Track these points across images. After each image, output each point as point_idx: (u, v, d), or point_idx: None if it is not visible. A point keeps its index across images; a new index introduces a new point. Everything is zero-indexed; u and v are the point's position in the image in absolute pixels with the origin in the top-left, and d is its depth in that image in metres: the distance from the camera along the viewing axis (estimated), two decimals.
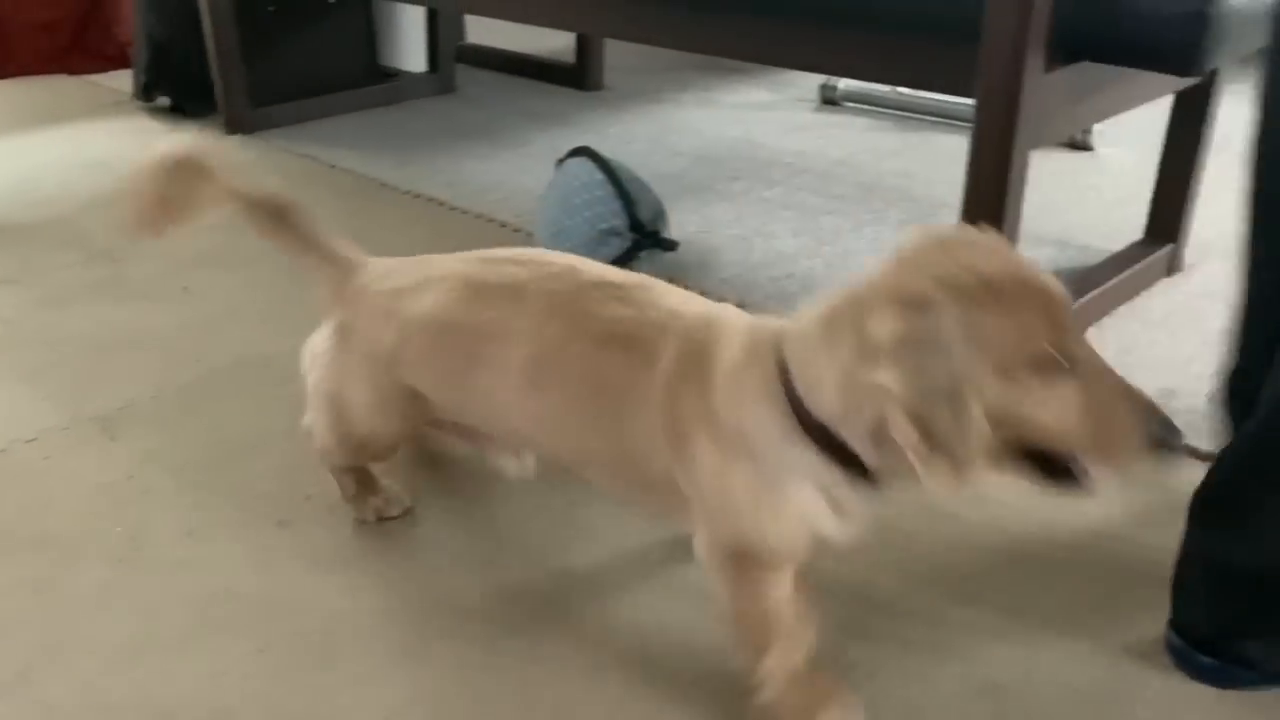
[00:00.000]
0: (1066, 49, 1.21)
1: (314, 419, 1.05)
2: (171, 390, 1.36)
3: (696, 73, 2.92)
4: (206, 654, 0.95)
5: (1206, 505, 0.89)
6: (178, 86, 2.43)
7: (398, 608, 1.00)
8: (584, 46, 2.74)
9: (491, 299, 0.92)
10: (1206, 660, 0.89)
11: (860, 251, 1.75)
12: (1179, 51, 1.16)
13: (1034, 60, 1.13)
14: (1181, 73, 1.17)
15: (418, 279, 0.96)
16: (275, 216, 1.02)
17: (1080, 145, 2.25)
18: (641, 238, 1.55)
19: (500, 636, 0.97)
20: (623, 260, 1.54)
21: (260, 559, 1.07)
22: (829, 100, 2.62)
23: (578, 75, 2.75)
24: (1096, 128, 2.24)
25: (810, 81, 2.69)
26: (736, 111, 2.58)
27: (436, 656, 0.95)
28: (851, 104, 2.60)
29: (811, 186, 2.06)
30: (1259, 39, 1.25)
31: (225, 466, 1.21)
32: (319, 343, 1.03)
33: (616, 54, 2.82)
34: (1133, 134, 2.16)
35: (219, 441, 1.25)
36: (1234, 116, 1.55)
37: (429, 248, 1.05)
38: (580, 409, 0.88)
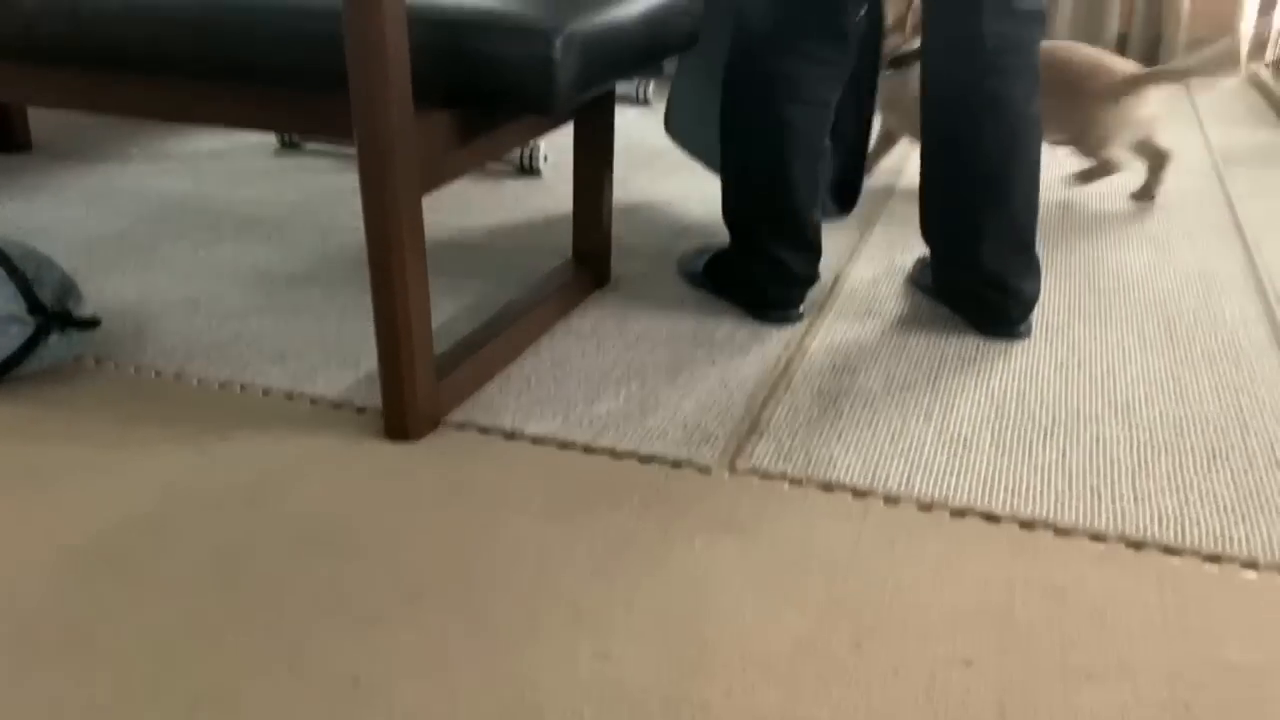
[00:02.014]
0: (435, 95, 1.27)
1: None
2: None
3: (144, 125, 2.73)
4: None
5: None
6: None
7: None
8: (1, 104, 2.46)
9: None
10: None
11: (312, 299, 1.72)
12: (535, 95, 1.25)
13: (400, 108, 1.16)
14: (542, 113, 1.26)
15: None
16: None
17: (530, 169, 2.38)
18: (48, 320, 1.41)
19: None
20: (27, 349, 1.40)
21: None
22: (288, 144, 2.56)
23: None
24: (543, 151, 2.38)
25: None
26: (187, 163, 2.44)
27: None
28: (313, 146, 2.57)
29: (266, 236, 2.00)
30: (614, 71, 1.39)
31: None
32: None
33: (50, 110, 2.57)
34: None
35: None
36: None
37: None
38: None
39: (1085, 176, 2.22)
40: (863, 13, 1.57)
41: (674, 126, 2.12)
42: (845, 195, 2.02)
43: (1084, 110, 2.09)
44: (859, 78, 1.87)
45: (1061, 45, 2.13)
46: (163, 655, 0.97)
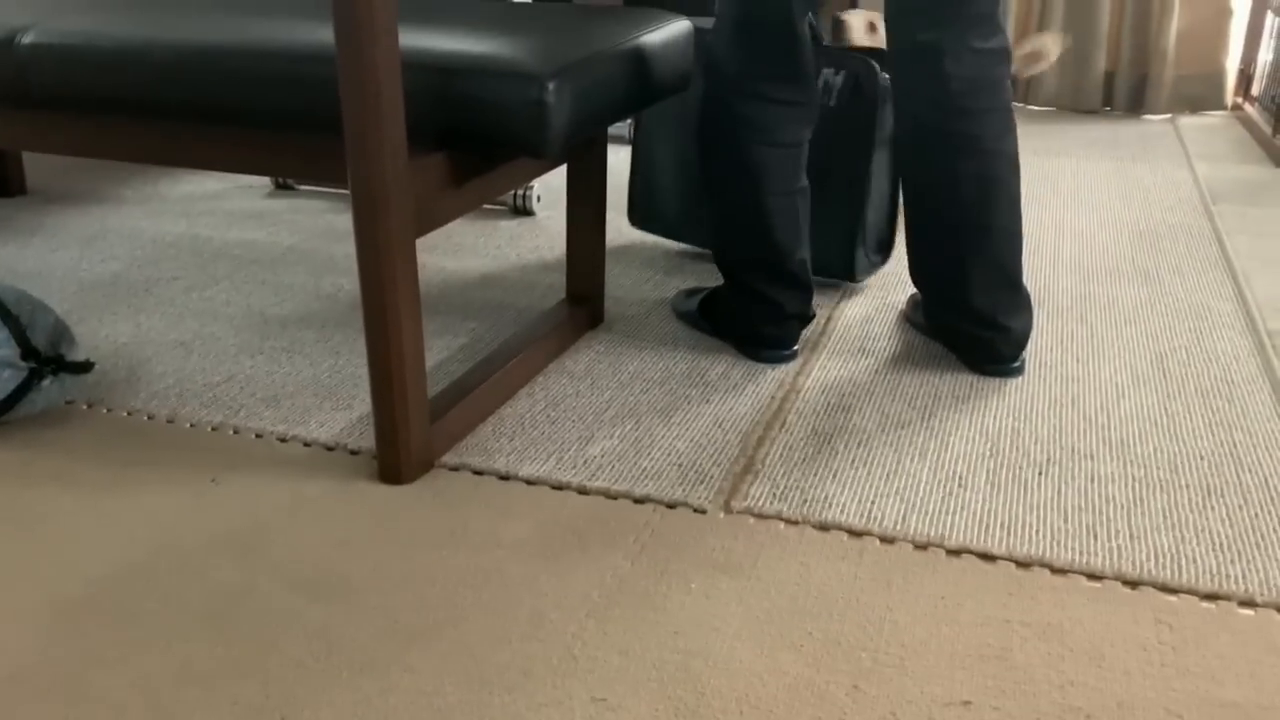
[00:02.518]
0: (429, 139, 1.28)
1: None
2: None
3: (138, 168, 2.74)
4: None
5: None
6: None
7: None
8: None
9: None
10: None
11: (306, 341, 1.72)
12: (529, 138, 1.26)
13: (394, 153, 1.17)
14: (536, 156, 1.27)
15: None
16: None
17: (523, 210, 2.39)
18: (40, 365, 1.41)
19: None
20: (20, 393, 1.39)
21: None
22: (282, 185, 2.57)
23: None
24: (536, 193, 2.40)
25: None
26: (182, 205, 2.45)
27: None
28: (306, 187, 2.58)
29: (260, 278, 2.01)
30: (607, 114, 1.40)
31: None
32: None
33: (43, 155, 2.57)
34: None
35: None
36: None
37: None
38: None
39: None
40: (815, 52, 1.59)
41: (639, 218, 2.14)
42: (884, 247, 2.04)
43: None
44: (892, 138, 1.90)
45: None
46: (155, 703, 0.96)
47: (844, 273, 1.94)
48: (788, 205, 1.59)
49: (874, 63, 1.83)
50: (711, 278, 2.00)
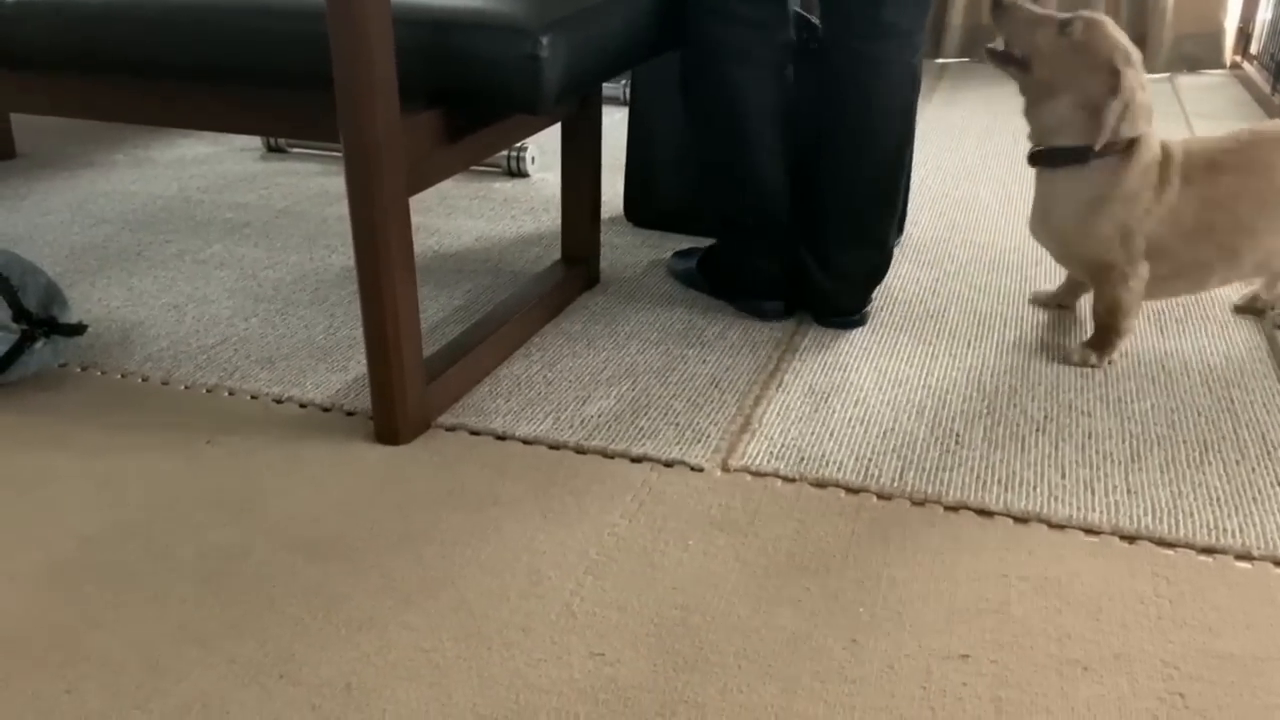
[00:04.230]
0: (422, 96, 1.26)
1: None
2: None
3: (129, 131, 2.72)
4: None
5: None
6: None
7: None
8: None
9: None
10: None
11: (300, 303, 1.71)
12: (522, 93, 1.24)
13: (386, 110, 1.15)
14: (530, 112, 1.26)
15: None
16: None
17: (518, 172, 2.38)
18: (32, 327, 1.40)
19: None
20: (12, 356, 1.38)
21: None
22: (275, 148, 2.55)
23: None
24: (530, 154, 2.38)
25: None
26: (173, 169, 2.43)
27: None
28: (299, 150, 2.56)
29: (252, 241, 1.99)
30: (602, 70, 1.38)
31: None
32: None
33: (33, 116, 2.55)
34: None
35: None
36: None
37: None
38: None
39: None
40: None
41: (639, 214, 2.10)
42: (899, 220, 2.01)
43: None
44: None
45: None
46: (152, 662, 0.96)
47: None
48: (763, 128, 1.57)
49: None
50: (707, 239, 1.99)
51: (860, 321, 1.64)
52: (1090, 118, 1.41)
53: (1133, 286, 1.47)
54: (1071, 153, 1.44)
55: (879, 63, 1.51)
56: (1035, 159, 1.50)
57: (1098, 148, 1.40)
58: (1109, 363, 1.52)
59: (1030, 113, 1.50)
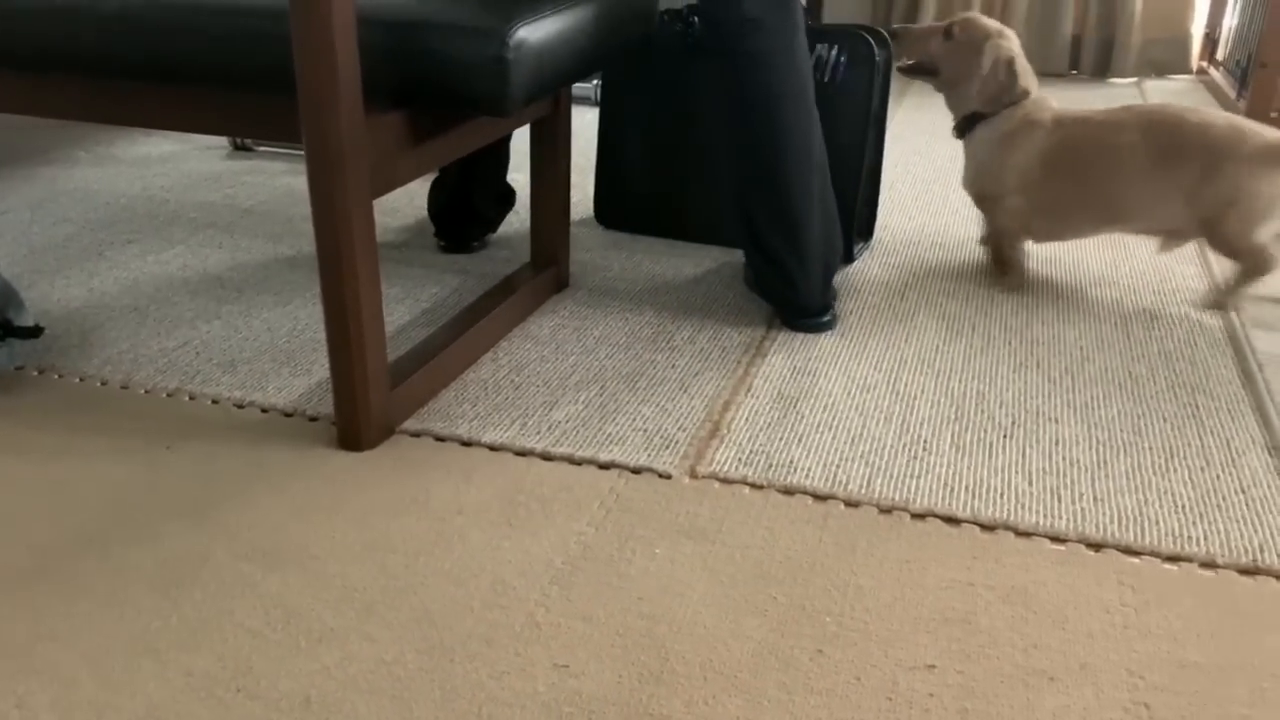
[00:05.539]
0: (387, 97, 1.24)
1: None
2: None
3: (91, 127, 2.67)
4: None
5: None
6: None
7: None
8: None
9: None
10: None
11: (264, 305, 1.69)
12: (489, 96, 1.22)
13: (349, 111, 1.14)
14: (495, 114, 1.24)
15: None
16: None
17: None
18: None
19: None
20: None
21: None
22: (241, 146, 2.52)
23: None
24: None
25: None
26: (137, 166, 2.39)
27: None
28: (265, 148, 2.52)
29: (217, 241, 1.96)
30: (569, 72, 1.37)
31: None
32: None
33: None
34: None
35: None
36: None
37: None
38: None
39: (1235, 286, 1.72)
40: None
41: (609, 216, 2.10)
42: (866, 227, 2.01)
43: (1230, 181, 1.63)
44: (879, 116, 1.88)
45: (1174, 106, 1.71)
46: (106, 676, 0.94)
47: (844, 253, 1.90)
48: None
49: (869, 37, 1.81)
50: (670, 251, 1.98)
51: (829, 324, 1.64)
52: (984, 90, 1.76)
53: (1009, 211, 1.78)
54: (976, 116, 1.79)
55: (735, 54, 1.52)
56: (958, 131, 1.83)
57: (976, 91, 1.76)
58: (1005, 291, 1.81)
59: (949, 103, 1.84)
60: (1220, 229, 1.65)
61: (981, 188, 1.81)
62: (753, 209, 1.59)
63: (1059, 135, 1.73)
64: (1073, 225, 1.78)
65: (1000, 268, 1.85)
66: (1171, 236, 1.77)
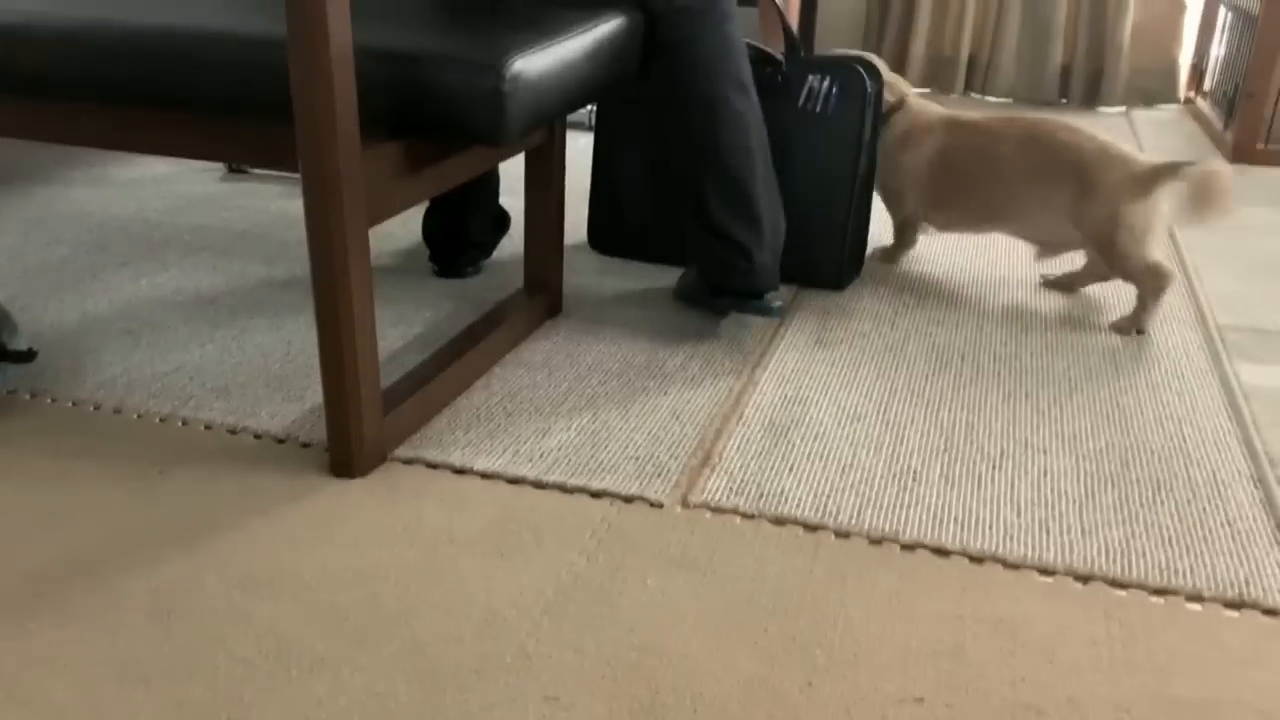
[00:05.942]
0: (383, 127, 1.26)
1: None
2: None
3: (87, 149, 2.68)
4: None
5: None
6: None
7: None
8: None
9: None
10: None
11: (258, 330, 1.69)
12: (485, 127, 1.24)
13: (346, 141, 1.15)
14: (491, 144, 1.25)
15: None
16: None
17: None
18: None
19: None
20: None
21: None
22: (236, 169, 2.53)
23: None
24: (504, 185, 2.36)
25: None
26: (131, 188, 2.40)
27: None
28: (260, 171, 2.53)
29: (211, 264, 1.97)
30: (564, 102, 1.38)
31: None
32: None
33: None
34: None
35: None
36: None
37: None
38: None
39: (1143, 307, 1.78)
40: None
41: (603, 241, 2.11)
42: (857, 256, 2.03)
43: (1110, 203, 1.74)
44: (870, 147, 1.90)
45: (1049, 122, 1.84)
46: (96, 705, 0.94)
47: (833, 282, 1.92)
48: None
49: (860, 69, 1.83)
50: (664, 277, 1.99)
51: (777, 312, 1.65)
52: None
53: (901, 203, 2.01)
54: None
55: (673, 45, 1.58)
56: None
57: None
58: (882, 262, 2.08)
59: None
60: (1113, 250, 1.76)
61: (882, 183, 2.00)
62: (701, 190, 1.61)
63: (946, 139, 1.91)
64: (961, 221, 1.96)
65: (893, 251, 2.08)
66: (1047, 248, 1.91)
